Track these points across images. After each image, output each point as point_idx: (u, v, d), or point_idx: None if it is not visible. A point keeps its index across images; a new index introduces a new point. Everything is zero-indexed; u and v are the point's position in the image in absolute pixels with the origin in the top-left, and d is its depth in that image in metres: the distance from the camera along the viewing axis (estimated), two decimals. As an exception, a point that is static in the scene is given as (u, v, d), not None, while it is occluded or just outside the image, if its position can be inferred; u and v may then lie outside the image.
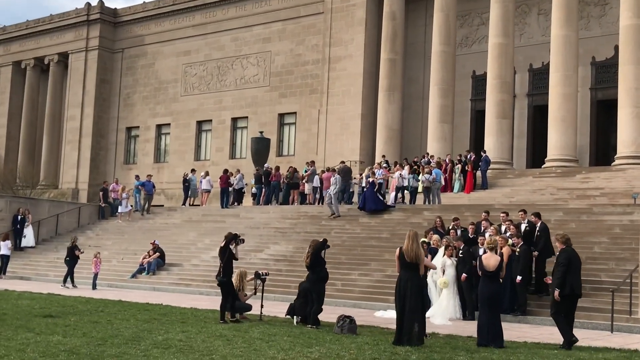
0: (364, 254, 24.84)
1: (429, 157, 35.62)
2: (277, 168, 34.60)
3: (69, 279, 26.00)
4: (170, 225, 33.38)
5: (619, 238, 21.52)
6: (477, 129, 42.64)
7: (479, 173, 34.76)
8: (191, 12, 53.79)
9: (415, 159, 36.50)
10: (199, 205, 37.35)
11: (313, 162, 33.54)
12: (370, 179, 29.29)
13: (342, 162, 34.42)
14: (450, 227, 20.53)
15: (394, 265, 23.10)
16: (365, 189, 29.69)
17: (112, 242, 31.65)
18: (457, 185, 34.50)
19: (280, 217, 31.14)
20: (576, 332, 13.67)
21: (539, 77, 40.81)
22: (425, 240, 20.08)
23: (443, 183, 31.64)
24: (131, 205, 35.98)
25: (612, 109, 39.22)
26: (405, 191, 31.02)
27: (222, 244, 16.86)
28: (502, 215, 20.20)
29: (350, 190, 32.61)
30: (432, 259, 19.45)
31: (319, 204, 32.55)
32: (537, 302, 18.30)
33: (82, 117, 56.56)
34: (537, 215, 19.26)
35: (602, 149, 39.46)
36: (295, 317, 16.00)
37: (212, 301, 21.61)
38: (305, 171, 32.89)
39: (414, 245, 12.22)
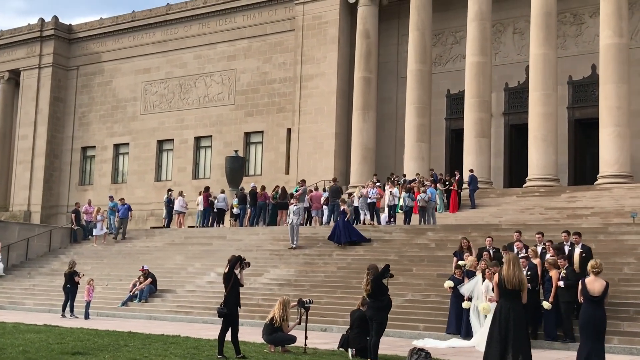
0: (375, 277, 23.90)
1: (412, 177, 35.03)
2: (264, 187, 33.50)
3: (67, 308, 24.33)
4: (152, 249, 31.86)
5: (646, 258, 21.23)
6: (453, 148, 42.39)
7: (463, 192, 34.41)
8: (151, 28, 52.32)
9: (392, 176, 35.87)
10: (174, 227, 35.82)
11: (304, 182, 32.57)
12: (342, 208, 27.93)
13: (334, 180, 33.56)
14: (487, 248, 19.75)
15: (411, 288, 22.47)
16: (338, 218, 28.06)
17: (90, 267, 29.93)
18: (439, 205, 33.97)
19: (271, 238, 30.01)
20: (622, 357, 13.02)
21: (515, 96, 40.84)
22: (461, 263, 19.38)
23: (438, 202, 31.04)
24: (106, 228, 34.26)
25: (590, 128, 39.47)
26: (399, 211, 30.29)
27: (226, 269, 15.05)
28: (537, 236, 19.62)
29: (340, 209, 31.60)
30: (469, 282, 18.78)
31: (308, 224, 31.54)
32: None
33: (35, 137, 54.26)
34: (578, 234, 18.74)
35: (581, 168, 39.60)
36: (350, 349, 14.97)
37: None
38: (296, 190, 31.87)
39: (515, 271, 11.37)
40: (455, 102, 42.15)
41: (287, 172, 45.45)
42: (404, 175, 36.79)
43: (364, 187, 30.84)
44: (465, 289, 18.47)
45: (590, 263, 11.65)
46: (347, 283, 23.76)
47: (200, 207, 34.32)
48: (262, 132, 47.52)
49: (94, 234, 33.99)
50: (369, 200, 29.64)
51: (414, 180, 33.61)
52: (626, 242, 22.76)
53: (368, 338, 14.96)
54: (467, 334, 18.24)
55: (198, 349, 16.15)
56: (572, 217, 30.10)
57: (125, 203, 35.44)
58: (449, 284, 18.86)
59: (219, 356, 14.38)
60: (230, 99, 48.99)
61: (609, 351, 14.51)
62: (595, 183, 34.93)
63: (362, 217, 30.77)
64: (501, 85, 40.88)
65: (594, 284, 11.44)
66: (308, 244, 28.37)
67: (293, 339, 15.90)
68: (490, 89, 38.65)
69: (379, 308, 14.17)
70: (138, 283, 26.40)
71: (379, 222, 30.04)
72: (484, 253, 19.24)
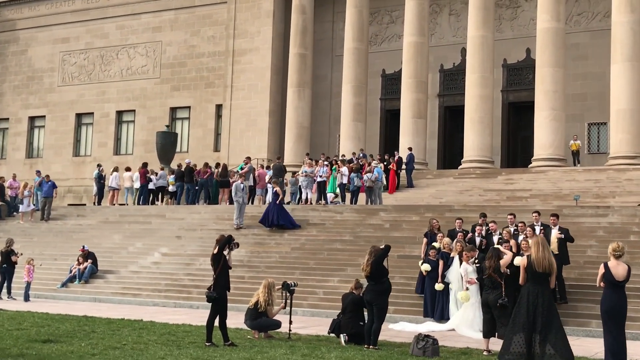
0: (333, 258, 23.36)
1: (349, 157, 34.56)
2: (206, 164, 32.30)
3: (4, 289, 22.71)
4: (85, 227, 30.24)
5: (606, 241, 21.33)
6: (387, 128, 42.22)
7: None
8: (71, -4, 49.82)
9: (322, 156, 35.29)
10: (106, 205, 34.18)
11: (249, 159, 31.52)
12: (274, 189, 26.84)
13: (278, 158, 32.72)
14: (457, 230, 19.42)
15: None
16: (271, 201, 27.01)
17: (20, 246, 27.95)
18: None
19: (215, 217, 28.96)
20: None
21: (450, 78, 40.95)
22: (436, 245, 19.03)
23: (385, 182, 30.70)
24: (33, 204, 32.31)
25: (523, 111, 40.04)
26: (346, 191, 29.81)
27: (215, 250, 14.16)
28: (509, 217, 19.41)
29: (273, 190, 30.74)
30: (444, 264, 18.46)
31: (251, 203, 30.65)
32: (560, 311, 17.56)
33: (-58, 107, 50.99)
34: (556, 216, 18.64)
35: (513, 150, 40.09)
36: (342, 335, 14.33)
37: (188, 315, 19.56)
38: (241, 168, 30.84)
39: (545, 253, 10.96)
40: (391, 82, 41.94)
41: (216, 150, 44.29)
42: (354, 155, 35.99)
43: (311, 164, 30.11)
44: (451, 275, 18.13)
45: (612, 246, 11.35)
46: (304, 264, 23.11)
47: (137, 184, 32.83)
48: (189, 107, 46.08)
49: (20, 210, 32.02)
50: (318, 179, 28.97)
51: (356, 159, 33.17)
52: (583, 224, 22.96)
53: (362, 323, 14.42)
54: (441, 316, 17.93)
55: (172, 334, 15.21)
56: (512, 199, 30.29)
57: (50, 180, 33.33)
58: (426, 267, 18.45)
59: (207, 343, 13.50)
60: (155, 72, 47.26)
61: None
62: (529, 166, 35.33)
63: (304, 196, 30.10)
64: (436, 66, 40.87)
65: (617, 268, 11.17)
66: (254, 223, 27.47)
67: (278, 324, 15.15)
68: (427, 69, 38.54)
69: (379, 291, 13.60)
70: (76, 263, 24.96)
71: (326, 202, 29.44)
72: (459, 234, 18.93)
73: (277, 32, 42.70)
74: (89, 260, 24.83)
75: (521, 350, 10.85)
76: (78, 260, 25.02)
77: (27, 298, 22.41)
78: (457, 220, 20.02)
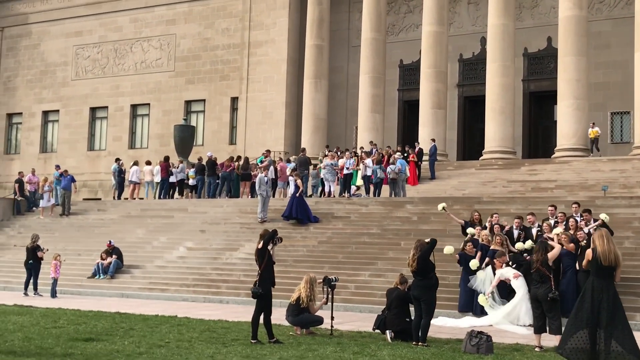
0: (362, 252, 23.03)
1: (374, 147, 34.19)
2: (231, 158, 31.97)
3: (30, 286, 22.46)
4: (107, 222, 29.96)
5: (644, 232, 21.06)
6: (405, 119, 41.85)
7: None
8: (83, -11, 49.44)
9: (337, 149, 34.90)
10: (127, 198, 33.88)
11: (269, 152, 31.20)
12: (297, 181, 26.31)
13: (303, 150, 32.36)
14: (494, 224, 19.05)
15: (403, 264, 21.60)
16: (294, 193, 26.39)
17: (42, 242, 27.77)
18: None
19: (238, 211, 28.63)
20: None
21: (470, 68, 40.52)
22: (471, 231, 18.67)
23: (408, 174, 30.34)
24: (53, 199, 32.03)
25: (545, 101, 39.63)
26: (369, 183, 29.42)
27: (260, 245, 13.66)
28: (550, 208, 19.04)
29: (295, 183, 30.36)
30: (482, 255, 18.11)
31: (273, 196, 30.28)
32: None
33: (-45, 102, 50.75)
34: (588, 211, 18.28)
35: (535, 141, 39.67)
36: (388, 332, 13.99)
37: (221, 310, 19.28)
38: (261, 161, 30.52)
39: (611, 246, 10.56)
40: (409, 73, 41.53)
41: (232, 143, 43.97)
42: (374, 146, 35.58)
43: (334, 157, 29.73)
44: (474, 280, 17.84)
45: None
46: (333, 258, 22.78)
47: (157, 178, 32.52)
48: (204, 100, 45.71)
49: (40, 205, 31.76)
50: (345, 172, 28.61)
51: (376, 151, 32.79)
52: (618, 215, 22.53)
53: (407, 320, 14.11)
54: (482, 311, 17.59)
55: (212, 331, 14.89)
56: (537, 190, 29.89)
57: (69, 174, 33.04)
58: (474, 263, 17.89)
59: (252, 341, 13.15)
60: (169, 66, 46.90)
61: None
62: (553, 156, 34.90)
63: (327, 189, 29.75)
64: (455, 56, 40.38)
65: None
66: (277, 217, 27.15)
67: (321, 320, 14.82)
68: (446, 59, 38.08)
69: (426, 287, 13.25)
70: (101, 258, 24.71)
71: (350, 195, 29.09)
72: (495, 227, 18.58)
73: (293, 24, 42.30)
74: (114, 256, 24.56)
75: (584, 346, 10.48)
76: (101, 255, 24.75)
77: (54, 294, 22.18)
78: (495, 215, 19.62)
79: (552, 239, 16.40)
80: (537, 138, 39.81)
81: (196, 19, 46.14)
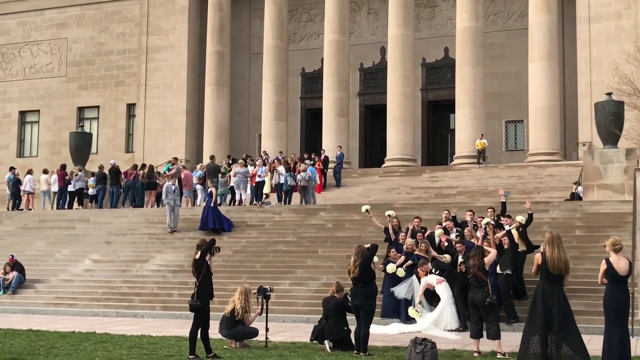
0: (280, 260, 22.74)
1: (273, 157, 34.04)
2: (135, 166, 30.93)
3: None
4: (4, 234, 28.35)
5: (553, 236, 21.67)
6: (308, 127, 41.92)
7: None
8: (-33, -11, 46.98)
9: (245, 157, 34.62)
10: (21, 209, 32.18)
11: (176, 159, 30.39)
12: (211, 190, 25.83)
13: (212, 157, 31.72)
14: (416, 229, 19.19)
15: (324, 271, 21.56)
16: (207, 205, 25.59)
17: None
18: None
19: (144, 221, 27.74)
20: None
21: (370, 77, 41.04)
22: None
23: (318, 182, 30.31)
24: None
25: (442, 110, 40.59)
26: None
27: (197, 256, 13.20)
28: (468, 213, 19.39)
29: (208, 191, 29.91)
30: (406, 260, 18.23)
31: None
32: (519, 307, 17.64)
33: None
34: (508, 216, 18.74)
35: (433, 148, 40.54)
36: (327, 342, 13.78)
37: (139, 325, 18.55)
38: (168, 169, 29.71)
39: (561, 254, 10.78)
40: (311, 81, 41.67)
41: (129, 151, 42.83)
42: (281, 154, 35.31)
43: (244, 165, 29.31)
44: (399, 290, 17.94)
45: (611, 241, 11.24)
46: (250, 267, 22.38)
47: (54, 188, 31.10)
48: (98, 107, 44.30)
49: None
50: (258, 179, 28.22)
51: (283, 158, 32.63)
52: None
53: (346, 328, 13.97)
54: (408, 317, 17.66)
55: (140, 347, 14.27)
56: (440, 196, 30.53)
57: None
58: (391, 268, 18.01)
59: (190, 356, 12.65)
60: (60, 71, 45.26)
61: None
62: (452, 163, 35.81)
63: (237, 197, 29.31)
64: (356, 65, 40.81)
65: (619, 263, 11.12)
66: (187, 226, 26.51)
67: (256, 332, 14.46)
68: (348, 68, 38.45)
69: (368, 295, 13.16)
70: (3, 273, 23.38)
71: (261, 203, 28.75)
72: (418, 234, 18.75)
73: (193, 29, 41.63)
74: (14, 271, 23.27)
75: (536, 351, 10.67)
76: (4, 269, 23.43)
77: (-47, 312, 20.79)
78: (415, 220, 19.83)
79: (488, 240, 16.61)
80: (435, 146, 40.76)
81: (89, 23, 44.71)
